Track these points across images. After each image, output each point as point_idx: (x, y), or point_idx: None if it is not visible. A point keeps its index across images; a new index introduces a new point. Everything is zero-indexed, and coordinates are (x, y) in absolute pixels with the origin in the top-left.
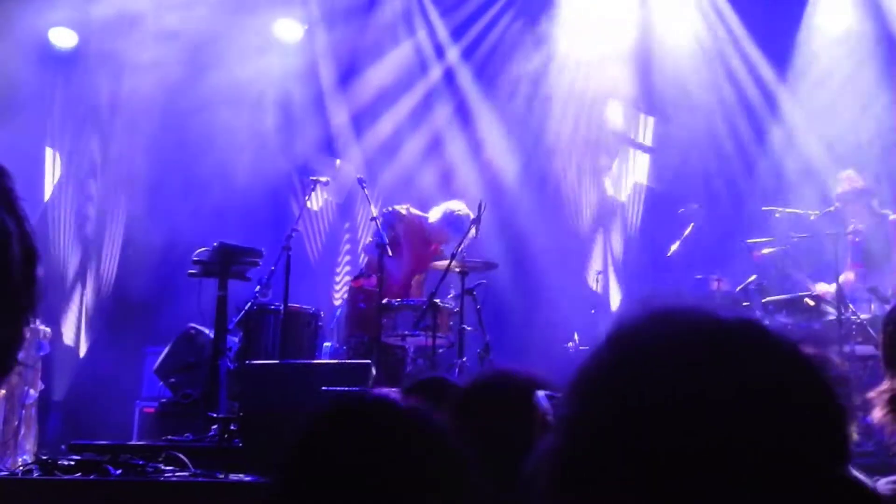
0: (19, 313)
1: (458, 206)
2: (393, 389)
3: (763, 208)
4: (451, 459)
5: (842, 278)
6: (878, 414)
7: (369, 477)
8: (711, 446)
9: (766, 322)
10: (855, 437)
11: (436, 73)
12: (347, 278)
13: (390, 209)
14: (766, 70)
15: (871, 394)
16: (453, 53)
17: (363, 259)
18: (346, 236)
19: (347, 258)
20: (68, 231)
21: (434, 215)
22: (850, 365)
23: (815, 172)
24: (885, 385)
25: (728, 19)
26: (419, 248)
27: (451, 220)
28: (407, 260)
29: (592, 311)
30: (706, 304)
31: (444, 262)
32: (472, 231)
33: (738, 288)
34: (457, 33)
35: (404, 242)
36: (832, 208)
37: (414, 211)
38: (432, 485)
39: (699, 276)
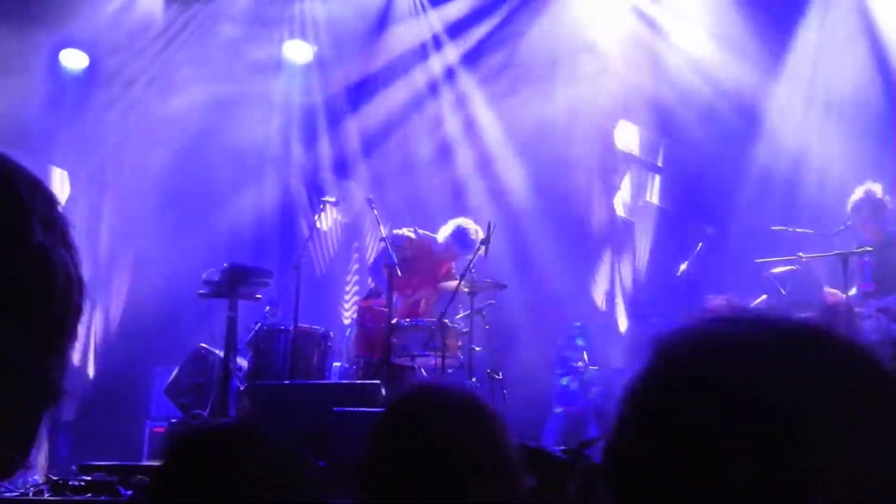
0: (68, 346)
1: (465, 222)
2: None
3: (773, 227)
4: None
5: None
6: None
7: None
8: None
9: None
10: None
11: (445, 92)
12: (356, 298)
13: (398, 233)
14: (775, 84)
15: None
16: (463, 75)
17: (369, 281)
18: (355, 255)
19: (356, 278)
20: (78, 250)
21: (442, 234)
22: None
23: (827, 190)
24: None
25: (734, 33)
26: (429, 270)
27: (458, 236)
28: (416, 282)
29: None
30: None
31: (454, 283)
32: (482, 250)
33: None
34: (468, 57)
35: (413, 265)
36: (842, 227)
37: (421, 232)
38: None
39: (709, 297)
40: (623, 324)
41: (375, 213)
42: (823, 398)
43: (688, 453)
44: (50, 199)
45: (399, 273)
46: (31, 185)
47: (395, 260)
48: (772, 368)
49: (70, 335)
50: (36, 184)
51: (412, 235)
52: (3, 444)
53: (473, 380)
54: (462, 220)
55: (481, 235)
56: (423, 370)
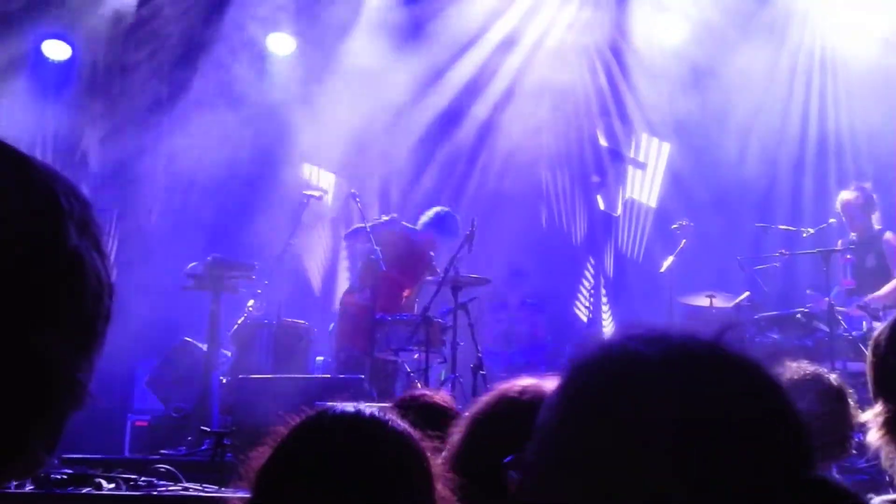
0: (96, 350)
1: (444, 209)
2: (385, 404)
3: (756, 225)
4: (424, 476)
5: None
6: (874, 437)
7: (344, 486)
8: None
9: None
10: (852, 452)
11: (430, 85)
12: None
13: (375, 221)
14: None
15: (866, 416)
16: (447, 68)
17: (347, 264)
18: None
19: (339, 269)
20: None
21: (422, 221)
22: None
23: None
24: (879, 408)
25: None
26: (407, 261)
27: (438, 221)
28: (395, 273)
29: (585, 321)
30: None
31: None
32: (467, 247)
33: (731, 304)
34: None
35: (394, 257)
36: (825, 225)
37: (402, 223)
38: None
39: (692, 293)
40: (607, 319)
41: (359, 206)
42: (706, 420)
43: (578, 477)
44: (85, 205)
45: (383, 268)
46: (67, 189)
47: (380, 255)
48: (661, 392)
49: (98, 339)
50: (72, 188)
51: (388, 221)
52: (34, 444)
53: (457, 374)
54: (441, 208)
55: (462, 225)
56: (406, 365)
